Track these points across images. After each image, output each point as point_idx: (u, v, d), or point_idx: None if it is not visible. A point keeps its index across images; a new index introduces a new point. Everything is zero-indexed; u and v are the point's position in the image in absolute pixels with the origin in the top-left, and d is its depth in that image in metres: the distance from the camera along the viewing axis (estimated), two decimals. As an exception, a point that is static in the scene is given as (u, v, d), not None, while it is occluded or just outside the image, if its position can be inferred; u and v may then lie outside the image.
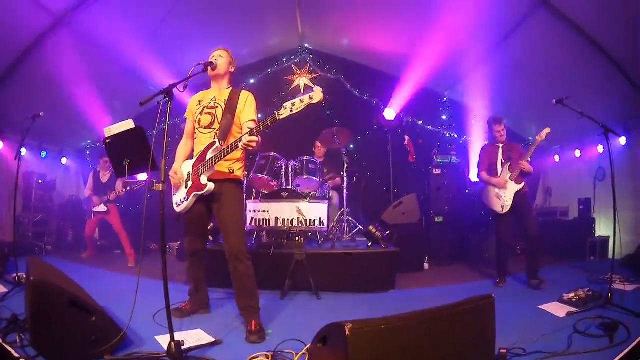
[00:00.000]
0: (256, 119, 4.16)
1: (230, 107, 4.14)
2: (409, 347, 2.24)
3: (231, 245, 4.00)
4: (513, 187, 6.14)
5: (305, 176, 7.16)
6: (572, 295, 4.75)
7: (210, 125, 4.12)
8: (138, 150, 3.61)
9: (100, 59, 7.89)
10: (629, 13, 5.81)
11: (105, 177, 8.38)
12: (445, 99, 10.63)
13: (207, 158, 3.88)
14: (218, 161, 3.85)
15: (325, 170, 7.91)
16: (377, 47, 9.50)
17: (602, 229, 8.37)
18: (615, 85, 7.15)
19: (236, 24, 8.45)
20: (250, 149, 3.64)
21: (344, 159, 7.83)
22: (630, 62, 6.65)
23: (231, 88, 4.36)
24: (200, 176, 3.91)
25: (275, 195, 6.82)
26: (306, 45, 10.68)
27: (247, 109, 4.18)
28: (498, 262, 6.39)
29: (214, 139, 3.95)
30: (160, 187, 3.06)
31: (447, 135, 10.40)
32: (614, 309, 4.26)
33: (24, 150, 6.94)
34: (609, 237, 8.06)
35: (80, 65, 7.68)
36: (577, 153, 9.36)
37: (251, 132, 3.56)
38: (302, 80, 10.56)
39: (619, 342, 3.37)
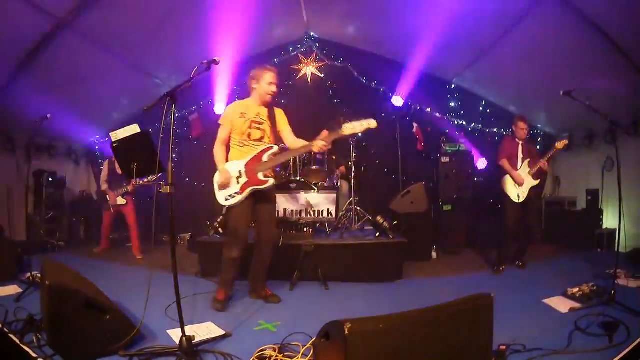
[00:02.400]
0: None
1: (273, 123, 4.84)
2: (407, 346, 2.28)
3: (274, 234, 5.13)
4: (530, 182, 6.43)
5: (313, 167, 7.24)
6: (576, 290, 4.80)
7: (261, 139, 4.76)
8: (145, 154, 3.69)
9: (105, 56, 7.85)
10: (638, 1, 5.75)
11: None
12: (453, 85, 10.49)
13: (266, 160, 4.65)
14: (283, 161, 4.98)
15: (333, 158, 7.96)
16: (384, 34, 9.43)
17: (610, 220, 8.28)
18: (625, 76, 7.01)
19: (241, 13, 8.39)
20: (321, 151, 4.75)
21: (352, 148, 7.87)
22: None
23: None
24: (257, 174, 4.61)
25: (283, 187, 6.89)
26: (312, 33, 10.57)
27: (285, 123, 4.99)
28: (499, 250, 6.58)
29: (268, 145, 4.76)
30: (168, 189, 3.15)
31: (456, 122, 10.29)
32: (617, 307, 4.25)
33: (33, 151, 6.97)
34: (616, 229, 7.95)
35: (86, 63, 7.70)
36: (587, 142, 9.20)
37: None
38: (308, 69, 10.51)
39: (618, 342, 3.38)
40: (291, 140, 4.92)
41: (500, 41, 7.87)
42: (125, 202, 7.88)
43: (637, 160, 7.57)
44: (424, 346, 2.34)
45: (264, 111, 4.81)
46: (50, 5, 6.30)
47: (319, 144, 4.45)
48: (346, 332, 2.06)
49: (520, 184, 6.35)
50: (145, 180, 7.05)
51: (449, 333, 2.45)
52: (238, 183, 4.61)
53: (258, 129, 4.74)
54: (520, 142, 6.64)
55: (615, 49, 6.58)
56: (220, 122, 4.77)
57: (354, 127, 4.38)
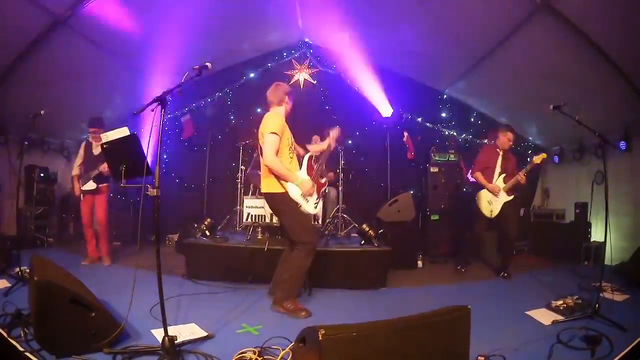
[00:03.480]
0: None
1: None
2: (380, 355, 2.34)
3: None
4: (504, 197, 6.50)
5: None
6: (560, 302, 4.78)
7: (295, 148, 4.99)
8: (133, 156, 3.76)
9: (98, 55, 7.91)
10: (631, 16, 5.78)
11: (97, 149, 6.91)
12: (444, 96, 10.61)
13: (315, 167, 5.11)
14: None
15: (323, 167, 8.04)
16: (375, 42, 9.51)
17: (598, 233, 8.21)
18: (616, 89, 7.10)
19: (236, 18, 8.49)
20: None
21: (341, 155, 7.97)
22: (632, 66, 6.63)
23: None
24: (318, 177, 5.04)
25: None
26: (306, 39, 10.70)
27: None
28: (462, 249, 7.05)
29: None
30: (155, 192, 3.22)
31: (446, 133, 10.38)
32: (601, 320, 4.22)
33: (25, 144, 6.83)
34: (604, 242, 7.97)
35: (81, 60, 7.77)
36: (577, 155, 9.26)
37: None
38: (302, 75, 10.61)
39: (600, 356, 3.37)
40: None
41: (493, 53, 7.97)
42: (95, 186, 6.90)
43: (627, 174, 7.70)
44: (398, 355, 2.40)
45: None
46: (49, 1, 6.36)
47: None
48: (320, 337, 2.12)
49: (495, 195, 6.43)
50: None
51: (423, 343, 2.49)
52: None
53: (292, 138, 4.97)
54: (501, 153, 6.63)
55: (607, 62, 6.66)
56: (276, 131, 4.55)
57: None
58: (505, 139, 6.60)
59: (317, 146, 5.39)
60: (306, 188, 4.62)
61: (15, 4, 6.13)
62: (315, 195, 4.77)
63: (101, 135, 3.92)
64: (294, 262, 4.68)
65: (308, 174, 4.79)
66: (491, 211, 6.48)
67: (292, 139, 4.88)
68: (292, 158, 4.76)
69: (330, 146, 5.24)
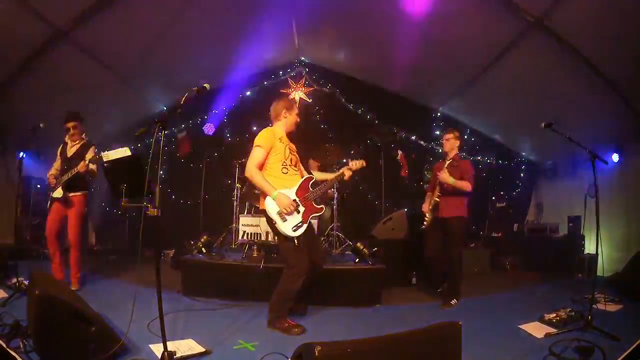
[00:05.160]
0: None
1: (298, 153, 5.05)
2: None
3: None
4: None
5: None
6: (553, 315, 4.82)
7: (296, 165, 4.91)
8: (134, 176, 3.82)
9: (98, 69, 8.01)
10: (621, 32, 5.96)
11: (72, 149, 5.99)
12: (439, 114, 10.75)
13: (314, 188, 4.78)
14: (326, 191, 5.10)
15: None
16: (371, 61, 9.66)
17: (592, 246, 7.88)
18: (608, 104, 7.25)
19: (232, 36, 8.61)
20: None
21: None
22: (624, 81, 6.79)
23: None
24: (312, 202, 4.70)
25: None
26: (303, 58, 10.83)
27: None
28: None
29: (303, 175, 4.89)
30: (155, 212, 3.27)
31: (440, 150, 10.44)
32: (594, 332, 4.27)
33: (22, 155, 6.56)
34: (596, 254, 8.04)
35: (82, 74, 7.87)
36: (570, 169, 9.45)
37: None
38: (297, 94, 10.71)
39: None
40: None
41: (486, 71, 8.11)
42: (60, 194, 5.76)
43: (619, 186, 7.88)
44: None
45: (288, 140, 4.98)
46: (51, 14, 6.45)
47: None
48: (316, 354, 2.15)
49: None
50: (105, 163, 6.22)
51: (417, 358, 2.51)
52: (299, 212, 4.58)
53: (294, 155, 4.90)
54: (448, 162, 6.09)
55: (598, 77, 6.83)
56: (259, 144, 4.60)
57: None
58: (443, 141, 6.32)
59: (326, 175, 5.25)
60: (283, 204, 4.44)
61: (17, 17, 6.23)
62: (297, 217, 4.54)
63: (102, 154, 3.98)
64: (281, 285, 4.63)
65: (297, 193, 4.64)
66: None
67: (293, 156, 4.86)
68: (285, 174, 4.69)
69: (343, 175, 4.96)
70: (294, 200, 4.56)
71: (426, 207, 6.20)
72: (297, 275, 4.54)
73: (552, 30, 6.50)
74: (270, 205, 4.51)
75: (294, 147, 4.95)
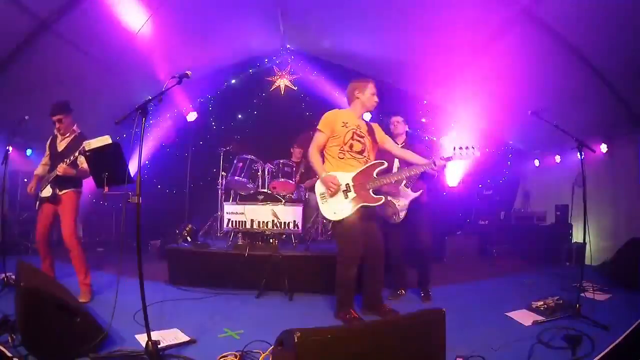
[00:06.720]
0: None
1: (373, 139, 4.81)
2: (355, 357, 2.40)
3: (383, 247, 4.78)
4: (408, 196, 5.62)
5: (281, 179, 7.43)
6: (540, 303, 4.80)
7: (361, 152, 4.64)
8: (115, 164, 3.84)
9: (83, 60, 7.96)
10: (612, 23, 6.00)
11: (63, 143, 5.37)
12: (425, 101, 10.76)
13: (376, 176, 4.51)
14: (398, 179, 4.85)
15: (302, 172, 8.14)
16: (358, 49, 9.62)
17: (580, 235, 8.29)
18: (596, 93, 7.29)
19: (218, 23, 8.57)
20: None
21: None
22: (612, 71, 6.85)
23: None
24: (369, 190, 4.45)
25: (251, 198, 7.08)
26: (288, 46, 10.79)
27: (384, 134, 5.00)
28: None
29: (369, 162, 4.64)
30: (135, 199, 3.29)
31: (426, 138, 10.55)
32: (582, 320, 4.25)
33: (8, 149, 6.32)
34: (584, 243, 8.06)
35: (65, 66, 7.80)
36: (557, 158, 9.54)
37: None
38: (282, 82, 10.73)
39: (581, 355, 3.39)
40: (398, 150, 4.97)
41: (474, 59, 8.10)
42: (49, 193, 5.21)
43: (607, 175, 7.94)
44: (372, 357, 2.45)
45: (363, 125, 4.77)
46: (34, 6, 6.40)
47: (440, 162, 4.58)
48: (295, 340, 2.20)
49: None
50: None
51: (397, 346, 2.53)
52: (346, 197, 4.46)
53: (359, 141, 4.62)
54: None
55: (587, 66, 6.88)
56: (319, 127, 4.62)
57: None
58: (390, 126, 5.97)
59: (409, 153, 4.94)
60: (326, 185, 4.42)
61: (3, 6, 6.16)
62: (341, 202, 4.44)
63: (84, 142, 3.98)
64: (337, 275, 4.60)
65: (354, 178, 4.48)
66: (394, 214, 5.65)
67: (356, 142, 4.59)
68: (342, 159, 4.58)
69: (429, 165, 4.60)
70: (346, 184, 4.48)
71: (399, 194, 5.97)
72: (346, 264, 4.53)
73: (541, 18, 6.52)
74: (317, 186, 4.59)
75: (364, 132, 4.71)
